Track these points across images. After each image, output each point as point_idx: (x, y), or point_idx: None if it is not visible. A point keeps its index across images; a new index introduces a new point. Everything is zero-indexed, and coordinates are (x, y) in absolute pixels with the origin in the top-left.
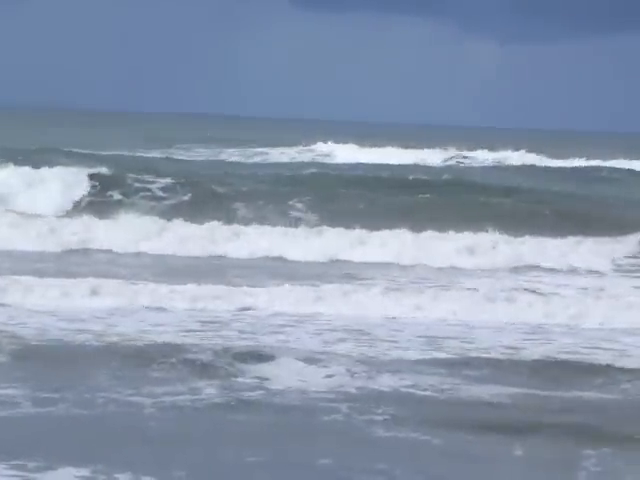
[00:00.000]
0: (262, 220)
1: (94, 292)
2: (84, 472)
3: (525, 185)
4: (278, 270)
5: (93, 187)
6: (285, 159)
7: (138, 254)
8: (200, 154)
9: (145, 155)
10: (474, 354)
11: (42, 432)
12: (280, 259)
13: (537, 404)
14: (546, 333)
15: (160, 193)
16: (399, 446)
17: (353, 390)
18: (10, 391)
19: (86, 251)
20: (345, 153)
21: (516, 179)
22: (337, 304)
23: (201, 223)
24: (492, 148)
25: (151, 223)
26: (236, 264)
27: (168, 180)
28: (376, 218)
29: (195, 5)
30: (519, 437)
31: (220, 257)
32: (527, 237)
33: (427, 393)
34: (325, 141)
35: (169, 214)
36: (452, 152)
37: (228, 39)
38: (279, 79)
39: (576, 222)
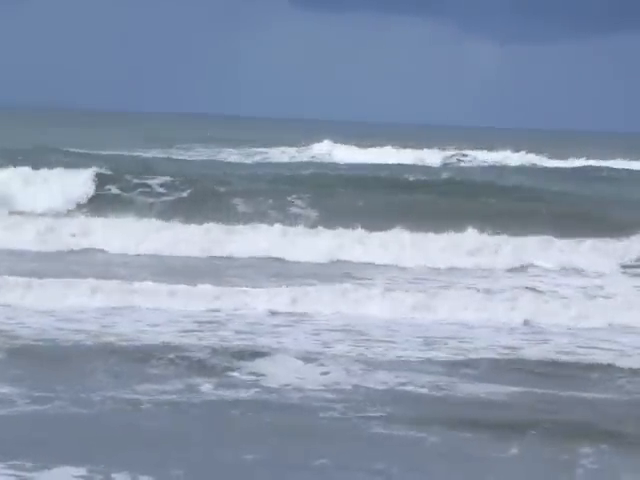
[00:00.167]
0: (260, 220)
1: (92, 292)
2: (81, 471)
3: (525, 185)
4: (276, 270)
5: (93, 187)
6: (284, 159)
7: (137, 254)
8: (200, 154)
9: (145, 155)
10: (472, 354)
11: (40, 431)
12: (278, 259)
13: (535, 403)
14: (545, 333)
15: (159, 193)
16: (396, 445)
17: (350, 389)
18: (7, 390)
19: (85, 251)
20: (344, 153)
21: (516, 179)
22: (335, 304)
23: (200, 223)
24: (492, 148)
25: (150, 223)
26: (234, 264)
27: (168, 180)
28: (375, 218)
29: (194, 5)
30: (517, 436)
31: (218, 257)
32: (526, 237)
33: (425, 392)
34: (325, 141)
35: (168, 214)
36: (452, 152)
37: (228, 39)
38: (279, 79)
39: (575, 222)
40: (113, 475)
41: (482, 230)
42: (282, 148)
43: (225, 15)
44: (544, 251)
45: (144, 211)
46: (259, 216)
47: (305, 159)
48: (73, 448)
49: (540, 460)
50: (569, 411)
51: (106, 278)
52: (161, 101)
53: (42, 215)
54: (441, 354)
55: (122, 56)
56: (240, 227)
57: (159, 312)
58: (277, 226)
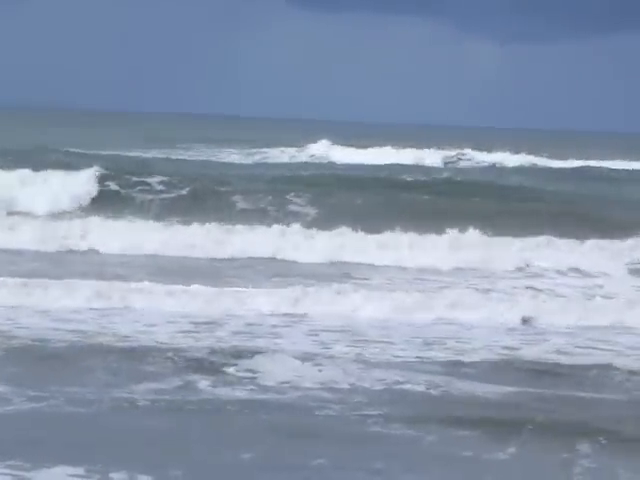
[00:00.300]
0: (258, 220)
1: (90, 292)
2: (79, 471)
3: (524, 185)
4: (275, 270)
5: (92, 187)
6: (283, 159)
7: (135, 254)
8: (200, 154)
9: (145, 155)
10: (471, 354)
11: (37, 431)
12: (277, 259)
13: (533, 403)
14: (543, 333)
15: (159, 193)
16: (394, 444)
17: (348, 388)
18: (5, 390)
19: (83, 251)
20: (343, 153)
21: (515, 179)
22: (334, 304)
23: (198, 223)
24: (491, 148)
25: (149, 223)
26: (233, 264)
27: (167, 180)
28: (374, 218)
29: (193, 5)
30: (514, 435)
31: (217, 257)
32: (526, 237)
33: (423, 392)
34: (321, 141)
35: (167, 214)
36: (451, 152)
37: (226, 39)
38: (277, 79)
39: (575, 222)
40: (111, 475)
41: (481, 230)
42: (281, 148)
43: (223, 15)
44: (544, 251)
45: (143, 211)
46: (257, 217)
47: (304, 159)
48: (71, 448)
49: (538, 459)
50: (567, 411)
51: (104, 278)
52: (161, 101)
53: (41, 215)
54: (440, 354)
55: (122, 56)
56: (238, 227)
57: (157, 312)
58: (275, 226)
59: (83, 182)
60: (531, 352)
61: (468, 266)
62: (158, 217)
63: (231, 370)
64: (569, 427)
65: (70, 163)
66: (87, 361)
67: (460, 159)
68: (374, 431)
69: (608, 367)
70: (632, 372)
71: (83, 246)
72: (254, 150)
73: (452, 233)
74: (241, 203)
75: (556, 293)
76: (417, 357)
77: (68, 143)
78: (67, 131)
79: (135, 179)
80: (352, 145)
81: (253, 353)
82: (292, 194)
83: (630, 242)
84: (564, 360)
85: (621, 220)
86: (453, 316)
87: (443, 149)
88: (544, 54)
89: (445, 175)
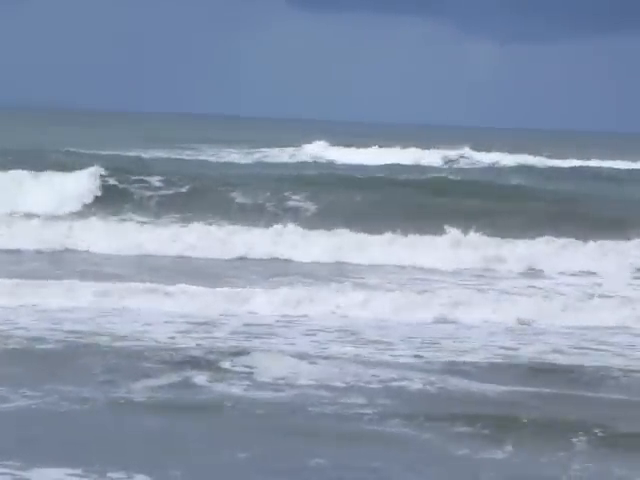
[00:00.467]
0: (257, 220)
1: (88, 292)
2: (77, 470)
3: (524, 185)
4: (273, 270)
5: (92, 187)
6: (282, 160)
7: (134, 254)
8: (199, 154)
9: (145, 155)
10: (469, 354)
11: (35, 431)
12: (275, 260)
13: (530, 402)
14: (541, 333)
15: (158, 193)
16: (392, 443)
17: (346, 388)
18: (3, 390)
19: (82, 251)
20: (342, 153)
21: (515, 179)
22: (332, 304)
23: (197, 223)
24: (491, 148)
25: (148, 223)
26: (231, 264)
27: (167, 180)
28: (374, 218)
29: (193, 5)
30: (511, 434)
31: (216, 257)
32: (526, 237)
33: (421, 392)
34: (323, 141)
35: (166, 214)
36: (451, 152)
37: (226, 39)
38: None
39: (575, 222)
40: (109, 474)
41: (481, 230)
42: (280, 149)
43: (223, 15)
44: (543, 251)
45: (142, 211)
46: (256, 216)
47: (303, 160)
48: (68, 447)
49: (535, 458)
50: (564, 410)
51: (103, 279)
52: (161, 101)
53: (41, 215)
54: (438, 354)
55: (122, 56)
56: (237, 227)
57: (155, 312)
58: (274, 226)
59: (83, 182)
60: (529, 352)
61: (467, 266)
62: (157, 217)
63: (228, 370)
64: (566, 426)
65: (70, 163)
66: (84, 361)
67: (460, 159)
68: (373, 430)
69: (606, 367)
70: (629, 372)
71: (82, 246)
72: (254, 150)
73: (451, 233)
74: (240, 203)
75: (555, 293)
76: (415, 357)
77: (68, 143)
78: (67, 131)
79: (134, 179)
80: (351, 145)
81: (252, 353)
82: (291, 195)
83: (630, 242)
84: (562, 360)
85: (621, 220)
86: (451, 316)
87: (443, 149)
88: (544, 54)
89: (445, 175)
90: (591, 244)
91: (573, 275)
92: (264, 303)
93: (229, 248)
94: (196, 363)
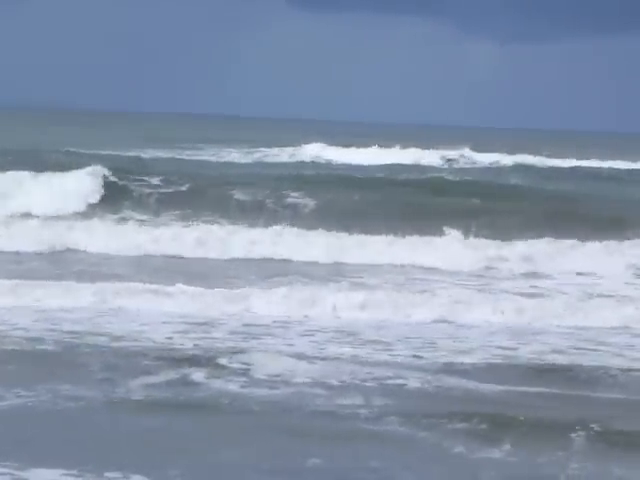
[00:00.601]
0: (256, 220)
1: (86, 292)
2: (74, 471)
3: (524, 185)
4: (272, 271)
5: (92, 187)
6: (282, 160)
7: (133, 255)
8: (199, 154)
9: (145, 155)
10: (467, 354)
11: (33, 431)
12: (274, 260)
13: (528, 401)
14: (540, 333)
15: (158, 193)
16: (390, 443)
17: (344, 387)
18: (1, 390)
19: (81, 252)
20: (342, 153)
21: (515, 179)
22: (329, 305)
23: (197, 223)
24: (491, 148)
25: (147, 223)
26: (230, 264)
27: (167, 179)
28: (373, 218)
29: (193, 5)
30: (510, 434)
31: (215, 257)
32: (526, 237)
33: (420, 391)
34: (322, 141)
35: (166, 214)
36: (451, 152)
37: (226, 39)
38: (277, 79)
39: (575, 222)
40: (106, 474)
41: (481, 230)
42: (280, 149)
43: (223, 15)
44: (543, 251)
45: (142, 211)
46: (255, 216)
47: (302, 160)
48: (66, 447)
49: (533, 457)
50: (563, 409)
51: (101, 279)
52: (161, 101)
53: (40, 215)
54: (437, 354)
55: (122, 56)
56: (236, 227)
57: (154, 312)
58: (273, 226)
59: (83, 182)
60: (528, 352)
61: (467, 266)
62: (157, 217)
63: (227, 370)
64: (565, 425)
65: (70, 163)
66: (83, 361)
67: (461, 158)
68: (369, 428)
69: (605, 367)
70: (627, 371)
71: (80, 246)
72: (254, 150)
73: (451, 233)
74: (239, 203)
75: (555, 293)
76: (414, 357)
77: (68, 143)
78: (67, 131)
79: (134, 179)
80: (351, 145)
81: (250, 353)
82: (290, 195)
83: (630, 242)
84: (560, 360)
85: (621, 220)
86: (450, 316)
87: (443, 149)
88: (544, 54)
89: (445, 175)
90: (591, 244)
91: (573, 275)
92: (263, 303)
93: (228, 248)
94: (194, 364)
